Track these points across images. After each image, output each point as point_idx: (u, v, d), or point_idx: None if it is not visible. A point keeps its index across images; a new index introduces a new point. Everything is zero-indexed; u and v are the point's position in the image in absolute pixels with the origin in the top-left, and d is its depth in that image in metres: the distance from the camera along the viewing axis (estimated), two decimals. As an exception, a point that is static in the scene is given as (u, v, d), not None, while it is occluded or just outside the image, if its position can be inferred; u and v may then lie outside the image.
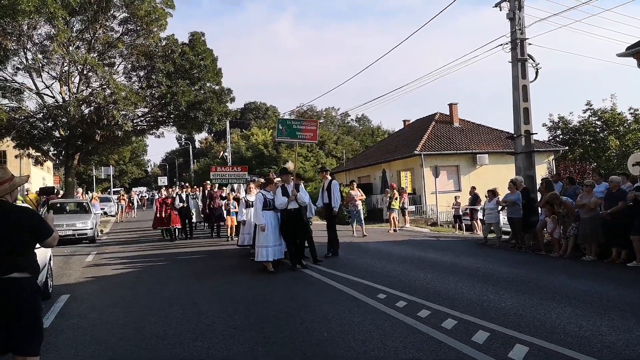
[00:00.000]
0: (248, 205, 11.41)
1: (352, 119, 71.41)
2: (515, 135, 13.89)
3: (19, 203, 4.63)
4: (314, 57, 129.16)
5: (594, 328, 5.08)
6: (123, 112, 21.12)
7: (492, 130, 31.29)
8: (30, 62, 20.98)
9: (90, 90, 22.40)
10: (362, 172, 33.94)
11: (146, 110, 24.43)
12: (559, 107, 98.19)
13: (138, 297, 7.53)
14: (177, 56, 22.54)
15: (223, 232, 16.59)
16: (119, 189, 51.97)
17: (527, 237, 12.03)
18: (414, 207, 25.91)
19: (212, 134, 75.19)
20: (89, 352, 5.05)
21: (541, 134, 35.09)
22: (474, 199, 18.25)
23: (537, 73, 13.90)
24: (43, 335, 3.69)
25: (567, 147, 32.63)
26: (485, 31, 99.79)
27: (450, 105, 32.10)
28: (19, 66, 21.33)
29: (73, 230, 16.33)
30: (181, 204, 16.29)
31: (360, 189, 16.79)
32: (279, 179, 10.27)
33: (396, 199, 18.49)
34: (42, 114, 22.07)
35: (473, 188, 18.82)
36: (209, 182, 18.03)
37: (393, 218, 18.29)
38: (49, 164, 39.24)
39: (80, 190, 28.98)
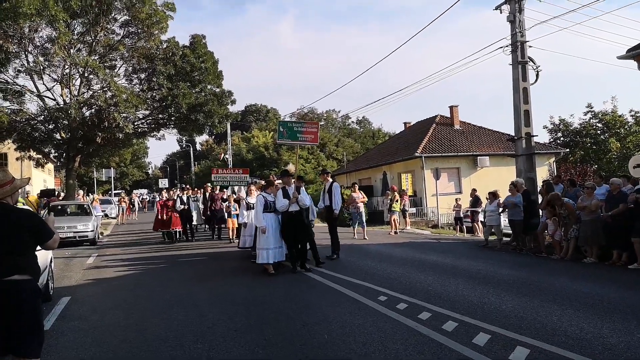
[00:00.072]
0: (249, 207, 11.42)
1: (352, 121, 71.49)
2: (515, 138, 13.90)
3: (20, 205, 4.65)
4: (314, 57, 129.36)
5: (595, 330, 5.07)
6: (124, 115, 21.15)
7: (493, 133, 31.32)
8: (31, 64, 21.01)
9: (91, 92, 22.43)
10: (363, 175, 33.96)
11: (147, 112, 24.47)
12: (559, 109, 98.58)
13: (139, 299, 7.54)
14: (178, 59, 22.58)
15: (224, 234, 16.60)
16: (119, 191, 51.97)
17: (528, 239, 12.02)
18: (414, 209, 25.92)
19: (213, 136, 75.22)
20: (90, 354, 5.05)
21: (542, 136, 35.12)
22: (475, 201, 18.25)
23: (537, 75, 13.93)
24: (44, 337, 3.69)
25: (568, 150, 32.64)
26: (486, 33, 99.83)
27: (451, 107, 32.13)
28: (20, 69, 21.38)
29: (74, 232, 16.34)
30: (182, 206, 16.30)
31: (361, 191, 16.79)
32: (279, 181, 10.28)
33: (397, 201, 18.49)
34: (43, 117, 22.11)
35: (474, 190, 18.81)
36: (209, 184, 18.04)
37: (394, 220, 18.28)
38: (50, 166, 39.28)
39: (81, 192, 28.99)
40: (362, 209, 16.10)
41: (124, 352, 5.07)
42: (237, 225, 14.30)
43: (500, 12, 13.79)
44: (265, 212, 9.21)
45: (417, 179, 28.04)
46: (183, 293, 7.79)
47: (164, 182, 58.75)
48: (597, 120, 35.03)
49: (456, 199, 20.85)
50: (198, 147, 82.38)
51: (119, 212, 31.23)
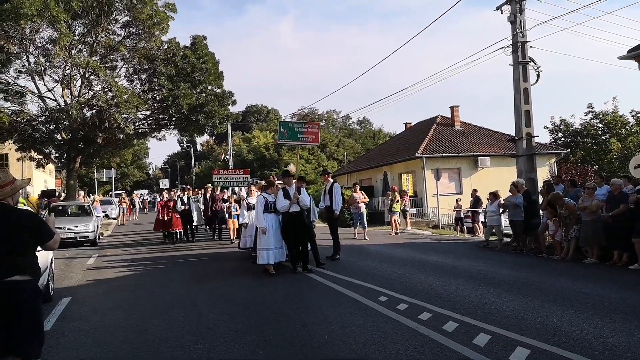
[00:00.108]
0: (249, 207, 11.42)
1: (353, 122, 71.52)
2: (516, 138, 13.89)
3: (20, 206, 4.65)
4: (314, 57, 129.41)
5: (595, 331, 5.07)
6: (125, 115, 21.18)
7: (494, 133, 31.31)
8: (32, 65, 21.04)
9: (92, 93, 22.47)
10: (364, 175, 33.96)
11: (148, 113, 24.50)
12: (560, 109, 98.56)
13: (139, 300, 7.54)
14: (178, 59, 22.61)
15: (225, 235, 16.60)
16: (120, 191, 51.99)
17: (528, 240, 12.01)
18: (415, 209, 25.91)
19: (214, 137, 75.27)
20: (90, 355, 5.06)
21: (543, 137, 35.14)
22: (476, 201, 18.23)
23: (538, 76, 13.92)
24: (44, 338, 3.69)
25: (568, 150, 32.62)
26: (487, 34, 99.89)
27: (452, 107, 32.13)
28: (21, 69, 21.41)
29: (75, 233, 16.36)
30: (183, 207, 16.31)
31: (363, 192, 16.78)
32: (280, 181, 10.27)
33: (397, 201, 18.48)
34: (44, 117, 22.15)
35: (474, 190, 18.80)
36: (209, 185, 18.06)
37: (394, 220, 18.28)
38: (50, 166, 39.30)
39: (82, 193, 29.04)
40: (363, 209, 16.10)
41: (125, 353, 5.07)
42: (237, 226, 14.31)
43: (501, 13, 13.79)
44: (265, 213, 9.21)
45: (418, 179, 28.04)
46: (183, 294, 7.80)
47: (164, 183, 58.73)
48: (597, 121, 35.01)
49: (457, 200, 20.84)
50: (199, 147, 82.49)
51: (119, 212, 31.24)
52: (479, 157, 28.00)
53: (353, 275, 8.63)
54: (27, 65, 21.17)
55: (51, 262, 8.06)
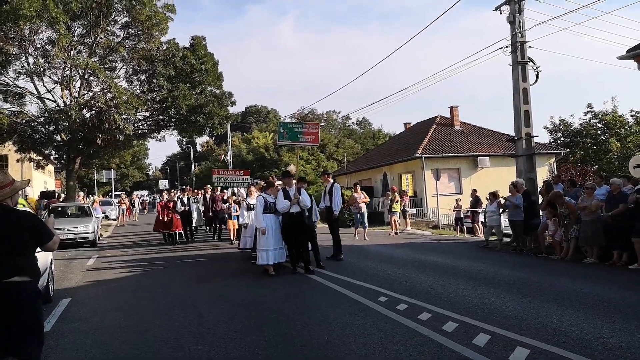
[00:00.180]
0: (249, 208, 11.41)
1: (353, 122, 71.53)
2: (516, 138, 13.90)
3: (20, 207, 4.65)
4: (314, 57, 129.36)
5: (595, 331, 5.07)
6: (124, 116, 21.18)
7: (493, 133, 31.32)
8: (31, 66, 21.04)
9: (91, 94, 22.47)
10: (363, 175, 33.95)
11: (147, 114, 24.50)
12: (559, 109, 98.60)
13: (139, 301, 7.54)
14: (178, 60, 22.61)
15: (225, 235, 16.60)
16: (120, 192, 51.99)
17: (528, 240, 12.01)
18: (415, 209, 25.91)
19: (214, 138, 75.27)
20: (90, 356, 5.06)
21: (542, 137, 35.12)
22: (475, 201, 18.24)
23: (537, 76, 13.93)
24: (44, 339, 3.68)
25: (568, 150, 32.64)
26: (486, 34, 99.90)
27: (451, 108, 32.13)
28: (20, 71, 21.40)
29: (74, 234, 16.36)
30: (183, 208, 16.31)
31: (363, 192, 16.77)
32: (279, 182, 10.27)
33: (397, 201, 18.49)
34: (43, 118, 22.15)
35: (474, 191, 18.81)
36: (209, 185, 18.06)
37: (394, 221, 18.28)
38: (50, 167, 39.32)
39: (81, 193, 29.05)
40: (364, 209, 16.10)
41: (125, 354, 5.07)
42: (237, 227, 14.31)
43: (500, 13, 13.80)
44: (265, 213, 9.20)
45: (418, 179, 28.04)
46: (183, 294, 7.79)
47: (164, 184, 58.76)
48: (597, 121, 35.03)
49: (456, 200, 20.84)
50: (198, 148, 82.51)
51: (119, 213, 31.23)
52: (478, 157, 28.01)
53: (353, 276, 8.63)
54: (26, 66, 21.17)
55: (51, 263, 8.06)
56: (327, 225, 11.96)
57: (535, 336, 4.89)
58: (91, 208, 19.56)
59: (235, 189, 17.10)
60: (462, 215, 19.81)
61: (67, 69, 21.50)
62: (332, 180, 12.03)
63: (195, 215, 17.08)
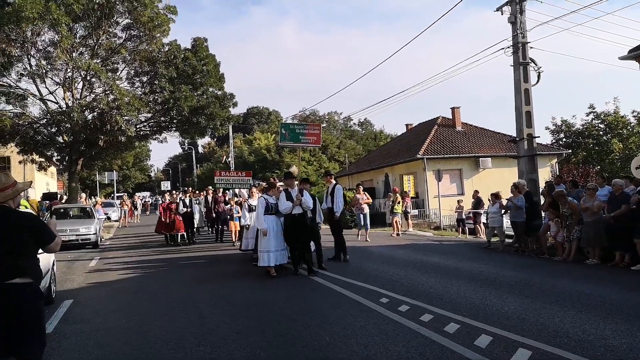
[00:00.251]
0: (251, 209, 11.41)
1: (354, 123, 71.55)
2: (517, 139, 13.88)
3: (22, 208, 4.66)
4: (315, 58, 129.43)
5: (597, 332, 5.06)
6: (126, 118, 21.25)
7: (495, 134, 31.30)
8: (34, 68, 21.13)
9: (93, 96, 22.55)
10: (365, 177, 33.95)
11: (149, 115, 24.57)
12: (561, 110, 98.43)
13: (141, 302, 7.55)
14: (179, 62, 22.69)
15: (226, 237, 16.61)
16: (122, 194, 52.08)
17: (530, 241, 12.00)
18: (416, 211, 25.89)
19: (215, 139, 75.42)
20: (92, 357, 5.06)
21: (544, 137, 35.10)
22: (477, 202, 18.23)
23: (539, 76, 13.90)
24: (45, 340, 3.69)
25: (570, 151, 32.59)
26: (488, 34, 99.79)
27: (453, 109, 32.13)
28: (22, 72, 21.50)
29: (76, 235, 16.37)
30: (185, 209, 16.33)
31: (366, 193, 16.76)
32: (281, 183, 10.26)
33: (399, 202, 18.47)
34: (45, 120, 22.23)
35: (476, 192, 18.80)
36: (210, 187, 18.09)
37: (396, 222, 18.26)
38: (52, 169, 39.38)
39: (83, 195, 29.08)
40: (367, 210, 16.09)
41: (127, 355, 5.08)
42: (239, 228, 14.32)
43: (502, 14, 13.78)
44: (266, 215, 9.19)
45: (419, 180, 28.03)
46: (185, 295, 7.80)
47: (166, 185, 58.79)
48: (599, 121, 34.96)
49: (458, 201, 20.82)
50: (200, 149, 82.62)
51: (121, 215, 31.25)
52: (480, 158, 27.99)
53: (354, 277, 8.63)
54: (28, 68, 21.26)
55: (53, 264, 8.07)
56: (329, 227, 11.95)
57: (537, 337, 4.89)
58: (93, 209, 19.57)
59: (236, 190, 17.12)
60: (463, 217, 19.80)
61: (69, 70, 21.57)
62: (334, 182, 12.01)
63: (197, 217, 17.11)
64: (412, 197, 24.52)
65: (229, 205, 16.06)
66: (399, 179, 29.07)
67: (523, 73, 13.66)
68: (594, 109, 35.12)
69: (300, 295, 7.58)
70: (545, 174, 23.70)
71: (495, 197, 13.63)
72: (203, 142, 77.90)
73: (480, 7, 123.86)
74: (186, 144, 77.46)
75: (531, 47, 13.75)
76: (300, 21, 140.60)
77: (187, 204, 16.51)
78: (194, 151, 72.00)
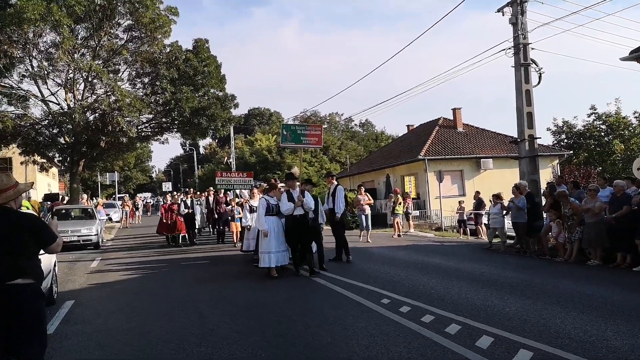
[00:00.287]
0: (252, 210, 11.41)
1: (355, 124, 71.58)
2: (519, 140, 13.88)
3: (24, 209, 4.68)
4: (316, 58, 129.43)
5: (599, 333, 5.06)
6: (127, 119, 21.27)
7: (496, 135, 31.27)
8: (35, 69, 21.17)
9: (95, 97, 22.58)
10: (366, 177, 33.94)
11: (150, 116, 24.60)
12: (562, 111, 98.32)
13: (142, 303, 7.55)
14: (181, 63, 22.72)
15: (228, 238, 16.61)
16: (123, 195, 52.10)
17: (531, 242, 11.98)
18: (418, 212, 25.86)
19: (217, 140, 75.47)
20: (93, 358, 5.07)
21: (545, 138, 35.06)
22: (479, 203, 18.21)
23: (540, 77, 13.89)
24: (47, 341, 3.69)
25: (571, 152, 32.55)
26: (490, 35, 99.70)
27: (454, 110, 32.09)
28: (24, 74, 21.56)
29: (78, 236, 16.38)
30: (186, 210, 16.35)
31: (367, 194, 16.76)
32: (282, 184, 10.26)
33: (400, 203, 18.46)
34: (47, 121, 22.26)
35: (477, 193, 18.78)
36: (212, 188, 18.10)
37: (397, 223, 18.25)
38: (54, 170, 39.46)
39: (85, 196, 29.08)
40: (368, 211, 16.09)
41: (128, 356, 5.08)
42: (240, 229, 14.32)
43: (503, 15, 13.78)
44: (267, 216, 9.19)
45: (420, 181, 28.01)
46: (186, 296, 7.80)
47: (167, 186, 58.83)
48: (600, 122, 34.94)
49: (459, 202, 20.81)
50: (201, 150, 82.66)
51: (122, 216, 31.26)
52: (481, 159, 27.95)
53: (355, 278, 8.63)
54: (30, 69, 21.31)
55: (54, 265, 8.08)
56: (330, 228, 11.95)
57: (539, 338, 4.88)
58: (95, 210, 19.59)
59: (238, 191, 17.14)
60: (465, 217, 19.78)
61: (70, 71, 21.61)
62: (335, 182, 12.02)
63: (198, 218, 17.12)
64: (413, 198, 24.50)
65: (230, 206, 16.08)
66: (400, 180, 29.06)
67: (524, 74, 13.65)
68: (595, 110, 35.14)
69: (301, 296, 7.58)
70: (546, 175, 23.66)
71: (497, 198, 13.61)
72: (204, 143, 78.10)
73: (481, 8, 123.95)
74: (187, 145, 77.48)
75: (532, 48, 13.76)
76: (301, 21, 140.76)
77: (189, 205, 16.53)
78: (195, 152, 72.02)
